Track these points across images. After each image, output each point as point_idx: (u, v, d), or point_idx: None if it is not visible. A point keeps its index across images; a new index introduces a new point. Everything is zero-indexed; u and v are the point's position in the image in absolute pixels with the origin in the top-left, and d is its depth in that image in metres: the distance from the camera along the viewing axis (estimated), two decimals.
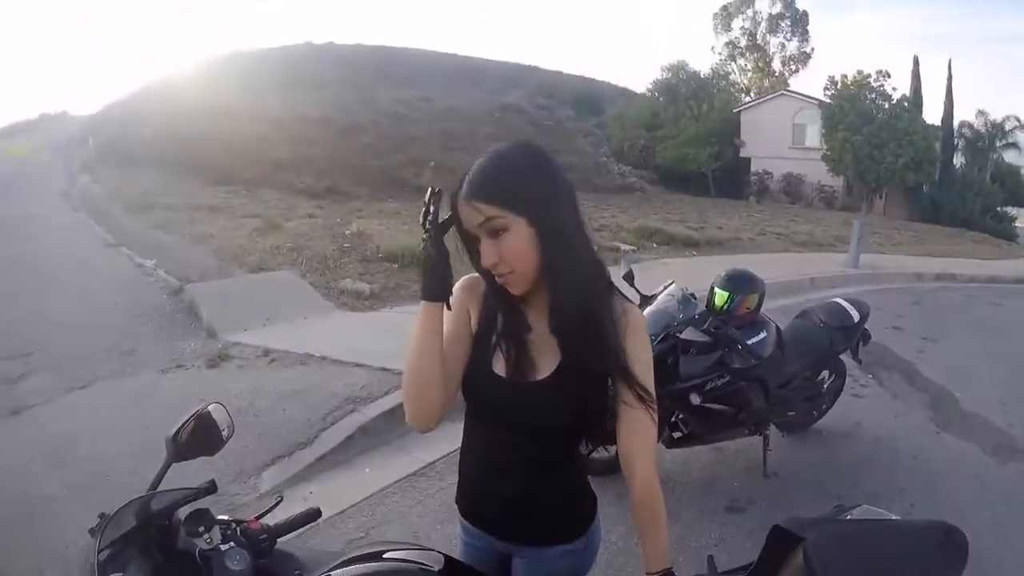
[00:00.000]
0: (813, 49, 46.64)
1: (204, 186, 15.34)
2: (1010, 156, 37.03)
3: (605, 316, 1.30)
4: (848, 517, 1.50)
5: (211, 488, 1.38)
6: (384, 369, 4.78)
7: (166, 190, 14.38)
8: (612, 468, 1.36)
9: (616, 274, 3.66)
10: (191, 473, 1.45)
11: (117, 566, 1.19)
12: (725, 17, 46.91)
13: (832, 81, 30.24)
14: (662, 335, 3.53)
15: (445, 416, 1.33)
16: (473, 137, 24.26)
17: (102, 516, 1.25)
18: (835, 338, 4.41)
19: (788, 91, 35.47)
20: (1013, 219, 33.86)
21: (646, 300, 3.81)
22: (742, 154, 33.08)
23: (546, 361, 1.31)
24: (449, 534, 1.63)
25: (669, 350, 3.56)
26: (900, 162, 25.99)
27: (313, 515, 1.48)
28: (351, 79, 29.50)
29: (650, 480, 1.29)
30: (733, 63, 47.34)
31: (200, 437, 1.47)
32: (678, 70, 35.09)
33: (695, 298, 3.80)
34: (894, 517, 1.50)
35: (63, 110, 48.20)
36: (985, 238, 23.66)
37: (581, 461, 1.48)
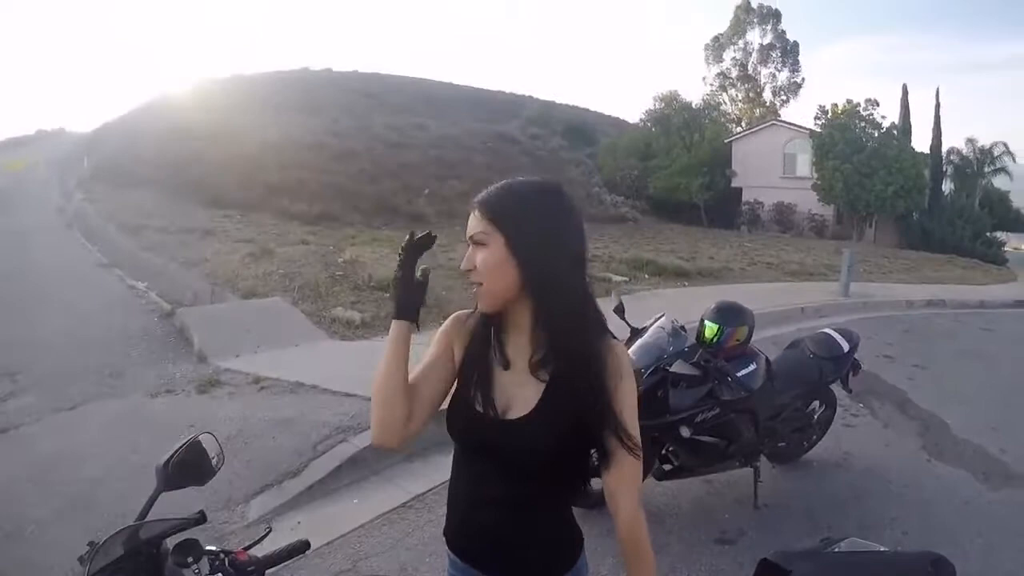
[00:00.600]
0: (803, 79, 47.44)
1: (198, 208, 15.37)
2: (999, 181, 37.45)
3: (591, 356, 1.31)
4: (835, 550, 1.50)
5: (200, 519, 1.38)
6: None
7: (160, 211, 14.39)
8: (601, 500, 1.36)
9: (607, 307, 3.70)
10: (179, 499, 1.45)
11: None
12: (716, 48, 47.62)
13: (822, 110, 30.74)
14: (652, 368, 3.54)
15: (411, 437, 1.37)
16: (467, 165, 24.40)
17: (91, 544, 1.25)
18: (825, 369, 4.43)
19: (779, 121, 35.89)
20: (1002, 244, 34.11)
21: (636, 333, 3.81)
22: (733, 184, 33.34)
23: (527, 398, 1.32)
24: (437, 567, 1.62)
25: (659, 383, 3.56)
26: (890, 190, 26.30)
27: (301, 547, 1.48)
28: (347, 105, 29.73)
29: (635, 517, 1.30)
30: (724, 93, 48.01)
31: (190, 467, 1.47)
32: (670, 100, 35.47)
33: (685, 330, 3.81)
34: (882, 549, 1.51)
35: (60, 126, 48.51)
36: (975, 264, 23.80)
37: (567, 497, 1.48)
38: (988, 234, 32.67)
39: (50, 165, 24.33)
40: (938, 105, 36.36)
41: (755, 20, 46.65)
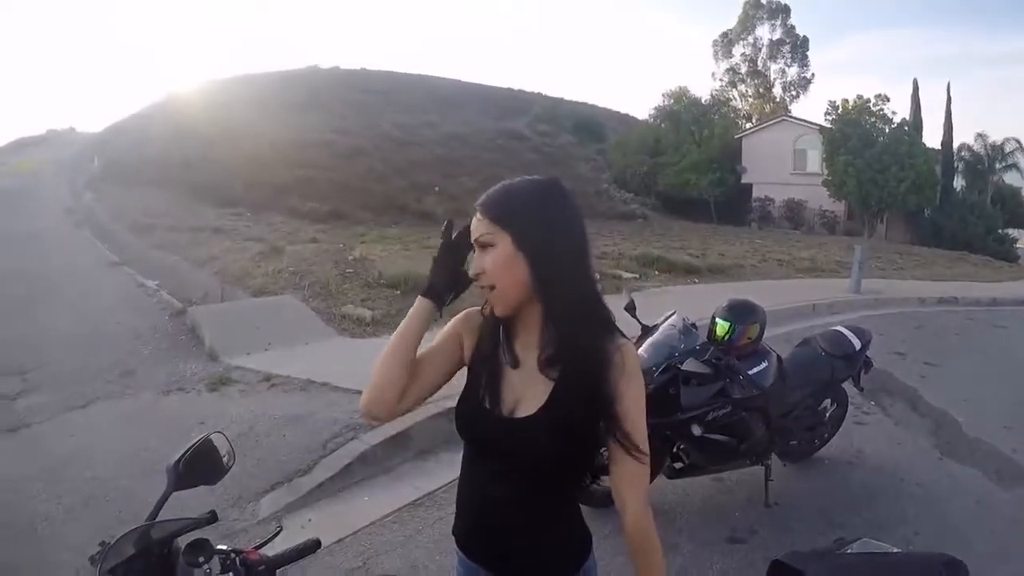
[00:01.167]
0: (813, 75, 47.18)
1: (208, 207, 15.44)
2: (1010, 178, 37.16)
3: (598, 354, 1.30)
4: (848, 551, 1.49)
5: (211, 518, 1.38)
6: None
7: (170, 210, 14.47)
8: (610, 499, 1.36)
9: (618, 304, 3.69)
10: (190, 498, 1.45)
11: None
12: (726, 44, 47.44)
13: (832, 106, 30.51)
14: (663, 366, 3.52)
15: (400, 412, 1.42)
16: (476, 163, 24.41)
17: (103, 544, 1.25)
18: (837, 367, 4.40)
19: (789, 117, 35.73)
20: (1015, 241, 33.85)
21: (647, 331, 3.79)
22: (744, 180, 33.21)
23: (535, 397, 1.32)
24: (447, 565, 1.62)
25: (670, 381, 3.55)
26: (902, 186, 26.09)
27: (312, 546, 1.48)
28: (356, 103, 29.74)
29: (642, 515, 1.29)
30: (734, 89, 47.82)
31: (201, 466, 1.47)
32: (680, 96, 35.37)
33: (696, 328, 3.79)
34: (895, 550, 1.50)
35: (70, 126, 48.86)
36: (987, 261, 23.63)
37: (575, 496, 1.48)
38: (1000, 231, 32.44)
39: (60, 165, 24.50)
40: (949, 100, 36.04)
41: (764, 15, 46.41)
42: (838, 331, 4.66)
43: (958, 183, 35.83)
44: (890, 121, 28.92)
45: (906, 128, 29.26)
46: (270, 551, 1.43)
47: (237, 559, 1.34)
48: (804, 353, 4.52)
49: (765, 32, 46.78)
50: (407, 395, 1.38)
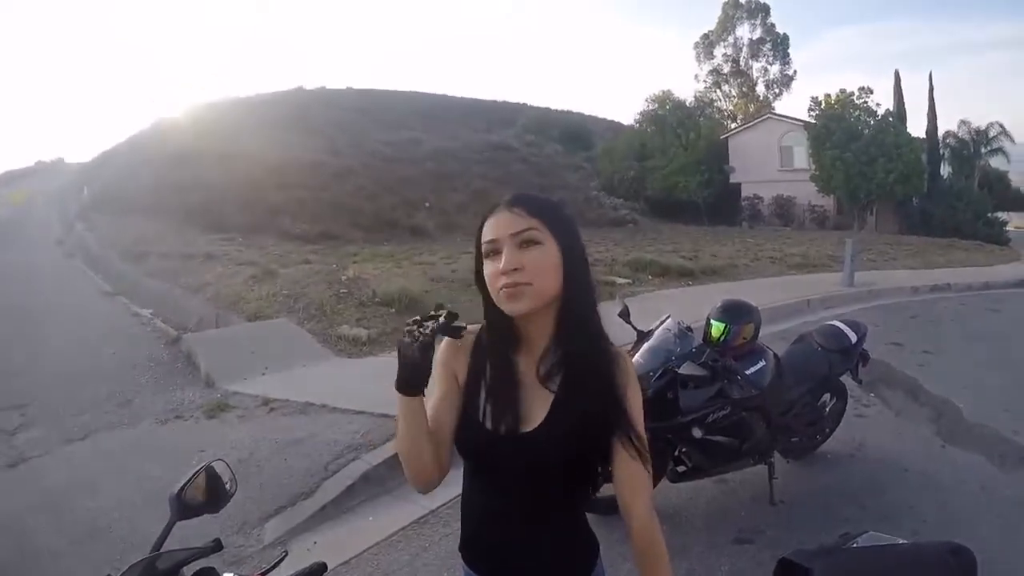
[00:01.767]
0: (795, 71, 47.49)
1: (199, 233, 15.44)
2: (996, 162, 37.44)
3: (605, 363, 1.32)
4: (854, 545, 1.49)
5: (216, 547, 1.37)
6: (385, 415, 4.75)
7: (161, 237, 14.47)
8: (615, 507, 1.36)
9: (611, 311, 3.69)
10: (194, 526, 1.45)
11: None
12: (707, 45, 47.73)
13: (816, 101, 30.63)
14: (660, 371, 3.52)
15: (445, 475, 1.37)
16: (465, 176, 24.52)
17: None
18: (834, 361, 4.41)
19: (774, 114, 35.89)
20: (1004, 224, 34.01)
21: (642, 336, 3.79)
22: (732, 180, 33.32)
23: (536, 411, 1.31)
24: None
25: (668, 385, 3.54)
26: (890, 177, 26.22)
27: (318, 570, 1.47)
28: (343, 122, 29.86)
29: (649, 523, 1.30)
30: (718, 90, 48.06)
31: (204, 494, 1.47)
32: (663, 100, 35.52)
33: (691, 331, 3.79)
34: (901, 541, 1.50)
35: (59, 157, 48.90)
36: (977, 245, 23.73)
37: (581, 505, 1.47)
38: (989, 215, 32.59)
39: (50, 196, 24.51)
40: (932, 89, 36.29)
41: (744, 15, 46.74)
42: (833, 325, 4.67)
43: (945, 170, 36.06)
44: (874, 113, 29.10)
45: (890, 119, 29.44)
46: None
47: None
48: (800, 349, 4.53)
49: (745, 32, 47.10)
50: (443, 461, 1.36)
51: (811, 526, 3.67)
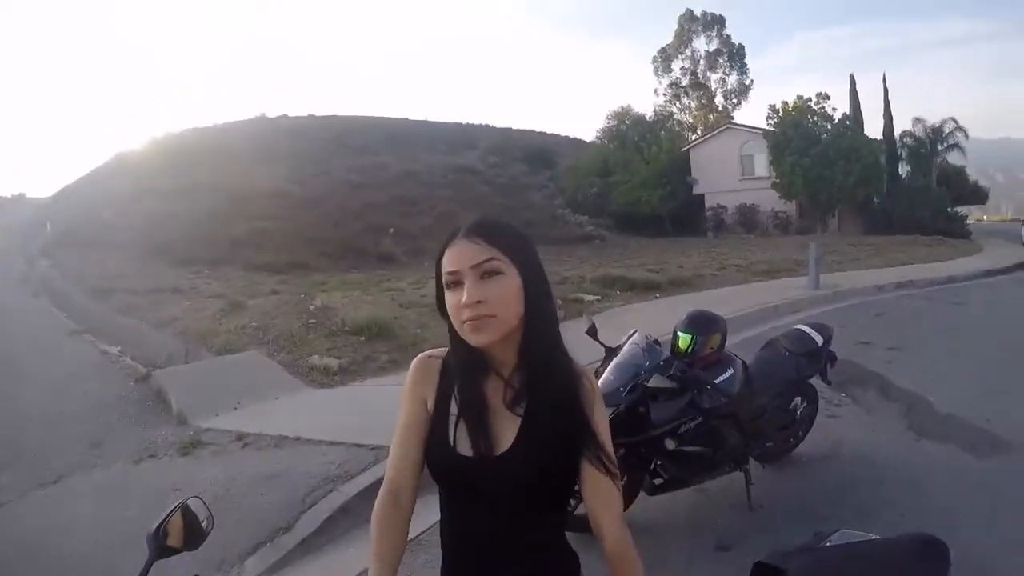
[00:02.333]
0: (752, 81, 48.55)
1: (166, 267, 15.27)
2: (953, 157, 38.35)
3: (572, 382, 1.34)
4: (828, 543, 1.52)
5: None
6: (359, 445, 4.72)
7: (128, 273, 14.26)
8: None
9: (579, 329, 3.71)
10: (174, 564, 1.43)
11: None
12: (665, 59, 48.53)
13: (773, 109, 31.16)
14: (630, 385, 3.55)
15: (414, 503, 1.43)
16: (430, 200, 24.54)
17: None
18: (802, 364, 4.48)
19: (733, 124, 36.52)
20: (964, 218, 34.82)
21: (611, 352, 3.83)
22: (695, 191, 33.78)
23: (505, 434, 1.32)
24: None
25: (639, 399, 3.57)
26: (850, 179, 26.72)
27: None
28: (306, 150, 29.75)
29: (622, 539, 1.30)
30: (677, 103, 48.84)
31: (181, 533, 1.45)
32: (623, 116, 35.95)
33: (659, 344, 3.83)
34: (872, 537, 1.53)
35: (20, 192, 47.91)
36: (939, 240, 24.32)
37: (558, 523, 1.47)
38: (949, 210, 33.37)
39: (11, 233, 24.02)
40: (886, 91, 37.30)
41: (700, 28, 47.67)
42: (799, 330, 4.75)
43: (903, 169, 36.89)
44: (831, 118, 29.64)
45: (847, 123, 30.03)
46: None
47: None
48: (768, 355, 4.58)
49: (702, 44, 48.10)
50: (413, 482, 1.41)
51: (791, 528, 3.70)
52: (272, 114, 41.35)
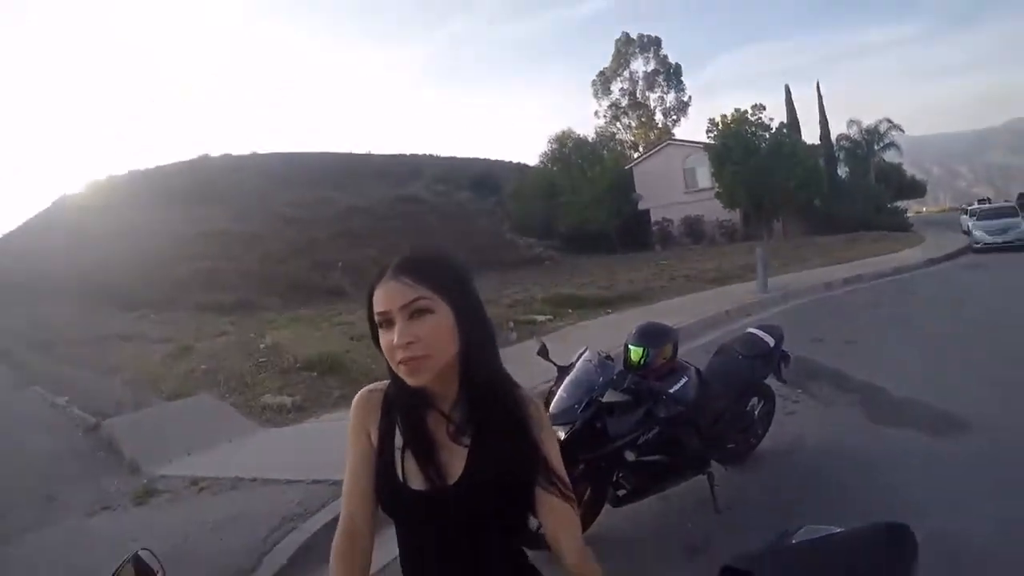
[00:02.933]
0: (690, 97, 49.69)
1: (111, 313, 14.87)
2: (890, 156, 39.71)
3: (519, 410, 1.32)
4: (793, 541, 1.52)
5: None
6: (317, 481, 4.64)
7: (72, 321, 13.88)
8: None
9: (531, 351, 3.69)
10: None
11: None
12: (604, 81, 49.40)
13: (713, 123, 31.92)
14: (585, 402, 3.55)
15: (374, 535, 1.40)
16: (377, 232, 24.41)
17: None
18: (756, 366, 4.55)
19: (674, 140, 37.32)
20: (904, 211, 36.09)
21: (563, 371, 3.83)
22: (641, 206, 34.34)
23: (453, 465, 1.30)
24: None
25: (595, 415, 3.58)
26: (791, 184, 27.42)
27: None
28: (250, 188, 29.45)
29: (581, 557, 1.30)
30: (618, 123, 49.60)
31: None
32: (565, 139, 36.46)
33: (611, 359, 3.85)
34: (837, 530, 1.53)
35: None
36: (883, 235, 25.16)
37: (517, 545, 1.44)
38: (889, 205, 34.56)
39: None
40: (820, 97, 38.86)
41: (637, 50, 48.70)
42: (750, 333, 4.82)
43: (842, 170, 38.24)
44: (769, 127, 30.49)
45: (785, 131, 30.92)
46: None
47: None
48: (721, 361, 4.64)
49: (640, 65, 49.13)
50: (370, 517, 1.38)
51: (758, 527, 3.70)
52: (215, 153, 40.83)
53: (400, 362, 1.23)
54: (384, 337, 1.25)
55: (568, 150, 35.73)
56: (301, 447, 5.89)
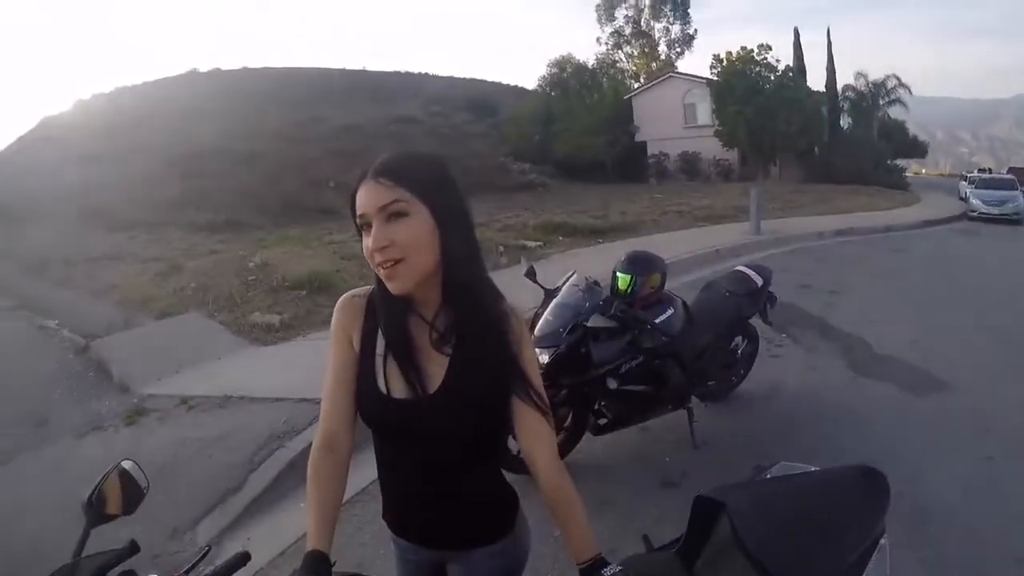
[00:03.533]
0: (696, 30, 48.30)
1: (102, 234, 14.68)
2: (895, 112, 39.21)
3: (500, 321, 1.32)
4: (767, 476, 1.56)
5: (133, 548, 1.32)
6: (304, 400, 4.70)
7: (62, 243, 13.69)
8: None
9: (518, 273, 3.69)
10: (126, 538, 1.38)
11: None
12: (608, 7, 47.95)
13: (718, 59, 31.26)
14: (571, 326, 3.57)
15: (354, 441, 1.40)
16: (371, 152, 23.79)
17: None
18: (742, 305, 4.58)
19: (676, 73, 36.51)
20: (903, 170, 35.80)
21: (550, 294, 3.85)
22: (637, 138, 33.87)
23: (434, 375, 1.30)
24: (392, 558, 1.62)
25: (580, 340, 3.60)
26: (792, 129, 27.12)
27: (241, 560, 1.42)
28: (241, 105, 28.84)
29: (555, 471, 1.31)
30: (620, 51, 48.44)
31: (117, 496, 1.41)
32: (565, 64, 35.66)
33: (599, 285, 3.86)
34: (812, 468, 1.57)
35: None
36: (878, 191, 25.00)
37: (491, 461, 1.47)
38: (888, 162, 34.24)
39: None
40: (830, 44, 37.96)
41: None
42: (739, 271, 4.84)
43: (845, 122, 37.64)
44: (775, 69, 29.92)
45: (790, 74, 30.39)
46: (200, 573, 1.38)
47: None
48: (709, 296, 4.68)
49: None
50: (349, 436, 1.39)
51: (734, 465, 3.79)
52: (204, 68, 39.93)
53: (377, 265, 1.23)
54: (364, 241, 1.24)
55: (567, 76, 35.06)
56: (289, 365, 5.92)
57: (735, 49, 30.99)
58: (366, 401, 1.35)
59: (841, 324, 6.67)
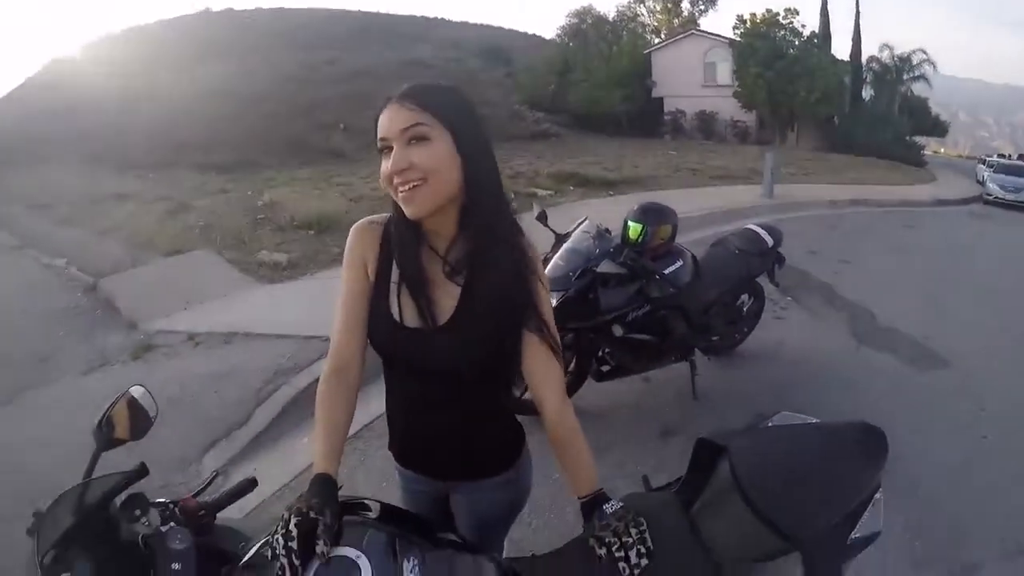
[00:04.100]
0: None
1: (109, 175, 14.61)
2: (919, 88, 38.44)
3: (517, 252, 1.32)
4: (769, 424, 1.58)
5: (142, 471, 1.34)
6: (310, 337, 4.74)
7: (69, 184, 13.63)
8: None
9: (530, 218, 3.69)
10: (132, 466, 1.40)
11: (62, 567, 1.15)
12: None
13: (741, 20, 30.74)
14: (580, 270, 3.58)
15: (363, 364, 1.38)
16: (382, 96, 23.68)
17: (37, 514, 1.22)
18: (751, 263, 4.57)
19: (698, 31, 35.83)
20: (921, 148, 35.30)
21: (560, 239, 3.85)
22: (654, 94, 33.41)
23: (446, 304, 1.31)
24: (394, 490, 1.65)
25: (589, 285, 3.61)
26: (812, 96, 26.75)
27: (248, 485, 1.46)
28: (253, 45, 28.50)
29: (562, 409, 1.32)
30: (642, 5, 47.46)
31: (126, 422, 1.42)
32: (585, 15, 35.01)
33: (610, 232, 3.85)
34: (813, 420, 1.59)
35: None
36: (895, 165, 24.68)
37: (499, 393, 1.48)
38: (908, 138, 33.74)
39: None
40: (858, 14, 37.14)
41: None
42: (750, 229, 4.82)
43: (867, 93, 36.93)
44: (800, 34, 29.45)
45: (815, 40, 29.87)
46: (208, 497, 1.41)
47: (175, 508, 1.31)
48: (718, 252, 4.66)
49: None
50: (360, 360, 1.37)
51: (733, 418, 3.85)
52: (217, 7, 39.37)
53: (396, 187, 1.22)
54: (384, 166, 1.23)
55: (587, 26, 34.45)
56: (295, 303, 5.94)
57: (760, 11, 30.41)
58: (378, 328, 1.34)
59: (848, 293, 6.65)
